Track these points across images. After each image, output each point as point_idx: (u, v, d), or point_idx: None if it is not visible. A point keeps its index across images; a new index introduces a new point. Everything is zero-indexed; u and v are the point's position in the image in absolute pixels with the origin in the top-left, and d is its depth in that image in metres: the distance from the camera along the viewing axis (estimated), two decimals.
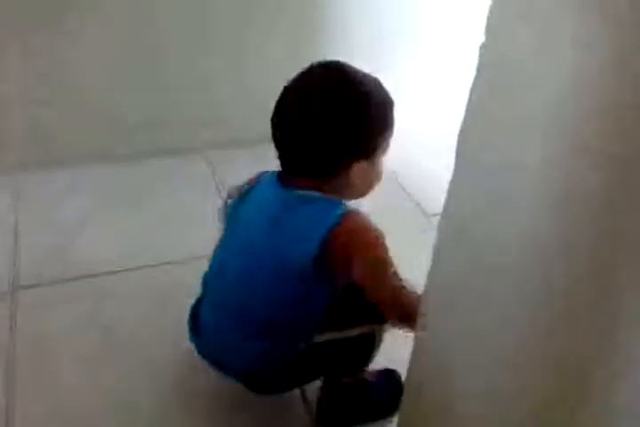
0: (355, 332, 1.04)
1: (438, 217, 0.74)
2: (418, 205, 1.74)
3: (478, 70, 0.60)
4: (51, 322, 1.32)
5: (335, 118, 0.94)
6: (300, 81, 0.98)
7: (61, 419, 1.14)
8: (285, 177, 1.00)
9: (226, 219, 1.11)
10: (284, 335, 1.02)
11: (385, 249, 0.96)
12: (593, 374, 0.58)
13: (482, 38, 0.59)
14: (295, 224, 0.97)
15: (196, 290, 1.13)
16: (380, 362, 1.14)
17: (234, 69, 1.80)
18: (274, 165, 1.02)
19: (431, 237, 0.75)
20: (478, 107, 0.61)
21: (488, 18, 0.58)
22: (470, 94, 0.62)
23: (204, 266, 1.11)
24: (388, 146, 1.02)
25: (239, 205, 1.06)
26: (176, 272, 1.45)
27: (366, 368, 1.13)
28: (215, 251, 1.11)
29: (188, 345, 1.13)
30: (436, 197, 0.80)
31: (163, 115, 1.81)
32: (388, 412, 1.14)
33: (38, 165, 1.75)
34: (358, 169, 0.97)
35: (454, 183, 0.67)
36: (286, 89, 0.98)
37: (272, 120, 0.98)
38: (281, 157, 0.99)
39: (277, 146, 0.99)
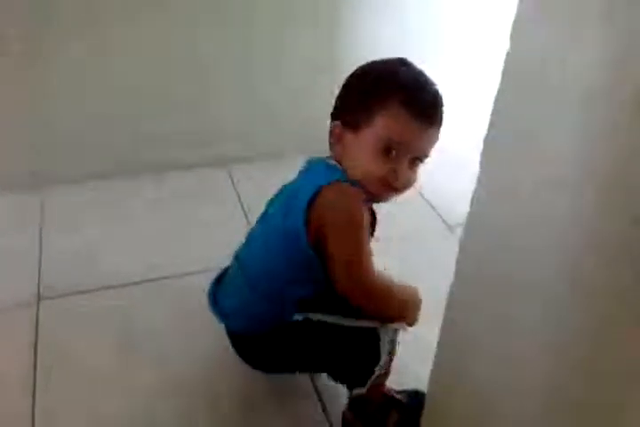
0: (353, 323, 1.01)
1: (461, 228, 0.73)
2: (439, 214, 1.73)
3: (503, 79, 0.59)
4: (74, 333, 1.32)
5: (341, 88, 1.06)
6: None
7: None
8: None
9: None
10: (279, 297, 1.04)
11: (359, 226, 0.96)
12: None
13: (505, 47, 0.58)
14: (290, 192, 1.05)
15: None
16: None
17: (249, 84, 1.80)
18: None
19: (452, 246, 0.74)
20: (503, 118, 0.60)
21: (512, 28, 0.57)
22: (495, 105, 0.60)
23: None
24: (376, 125, 0.99)
25: None
26: (198, 283, 1.44)
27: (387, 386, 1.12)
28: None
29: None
30: (459, 208, 0.79)
31: (184, 128, 1.82)
32: None
33: (63, 179, 1.77)
34: (345, 137, 1.03)
35: (478, 198, 0.66)
36: None
37: None
38: None
39: None
